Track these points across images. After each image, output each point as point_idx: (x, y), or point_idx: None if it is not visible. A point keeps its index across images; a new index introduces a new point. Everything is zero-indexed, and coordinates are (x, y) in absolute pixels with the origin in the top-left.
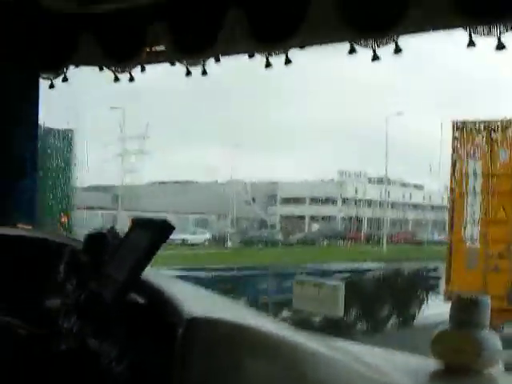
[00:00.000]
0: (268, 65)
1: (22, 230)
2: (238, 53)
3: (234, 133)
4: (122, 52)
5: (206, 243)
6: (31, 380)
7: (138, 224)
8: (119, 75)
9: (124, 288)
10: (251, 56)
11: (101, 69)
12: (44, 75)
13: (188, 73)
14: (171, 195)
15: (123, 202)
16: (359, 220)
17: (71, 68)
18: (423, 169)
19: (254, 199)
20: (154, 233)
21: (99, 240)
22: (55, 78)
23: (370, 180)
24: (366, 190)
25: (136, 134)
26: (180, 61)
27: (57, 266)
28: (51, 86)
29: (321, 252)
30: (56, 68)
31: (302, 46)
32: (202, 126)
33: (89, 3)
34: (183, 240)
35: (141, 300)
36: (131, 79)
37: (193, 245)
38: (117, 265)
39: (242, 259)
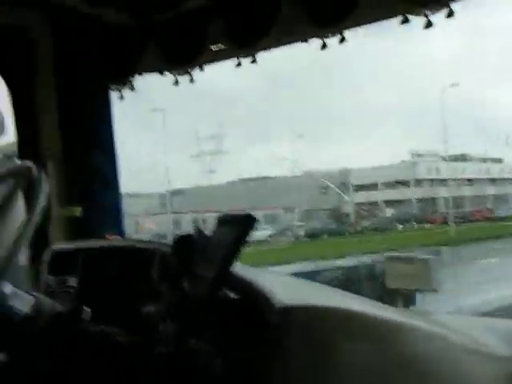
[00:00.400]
0: (324, 46)
1: (111, 240)
2: (293, 41)
3: (303, 125)
4: (183, 55)
5: (269, 239)
6: None
7: (223, 221)
8: (179, 77)
9: (215, 285)
10: (305, 41)
11: (161, 73)
12: (113, 87)
13: (238, 64)
14: (246, 193)
15: (197, 204)
16: (435, 201)
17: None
18: (501, 142)
19: (326, 189)
20: (237, 227)
21: (187, 241)
22: (123, 88)
23: (443, 158)
24: (439, 169)
25: (208, 134)
26: (237, 57)
27: (148, 272)
28: (121, 97)
29: (386, 239)
30: (123, 79)
31: (355, 26)
32: (269, 121)
33: (149, 14)
34: None
35: (232, 295)
36: (191, 80)
37: (253, 242)
38: (206, 263)
39: (295, 255)
